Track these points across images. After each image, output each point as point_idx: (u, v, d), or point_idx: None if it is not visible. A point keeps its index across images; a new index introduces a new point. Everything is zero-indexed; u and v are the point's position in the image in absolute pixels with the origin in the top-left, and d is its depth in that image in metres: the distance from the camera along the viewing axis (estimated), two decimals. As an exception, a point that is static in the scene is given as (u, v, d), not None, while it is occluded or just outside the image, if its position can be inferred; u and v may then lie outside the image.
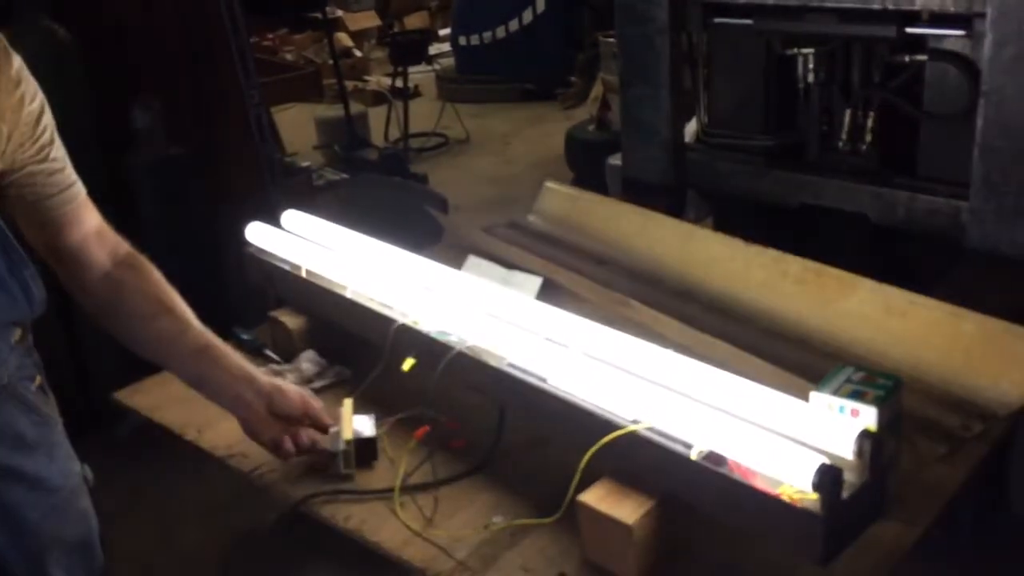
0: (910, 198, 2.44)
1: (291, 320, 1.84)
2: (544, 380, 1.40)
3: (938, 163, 2.44)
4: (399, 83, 5.83)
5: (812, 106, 2.67)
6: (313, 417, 1.45)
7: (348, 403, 1.54)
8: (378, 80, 7.23)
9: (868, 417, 1.26)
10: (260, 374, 1.44)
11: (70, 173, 1.33)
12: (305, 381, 1.71)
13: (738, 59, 2.81)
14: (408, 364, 1.55)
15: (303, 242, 1.87)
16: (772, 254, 1.99)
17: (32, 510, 1.31)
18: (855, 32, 2.45)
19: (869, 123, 2.55)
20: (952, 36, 2.31)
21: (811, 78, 2.62)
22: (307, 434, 1.45)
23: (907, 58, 2.43)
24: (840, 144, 2.62)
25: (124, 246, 1.41)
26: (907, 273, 1.96)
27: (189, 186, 3.04)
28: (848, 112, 2.58)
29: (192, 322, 1.40)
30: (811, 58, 2.60)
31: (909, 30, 2.34)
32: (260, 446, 1.44)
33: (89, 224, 1.36)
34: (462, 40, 7.15)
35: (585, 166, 4.70)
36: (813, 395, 1.30)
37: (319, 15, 5.94)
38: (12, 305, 1.26)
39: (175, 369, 1.43)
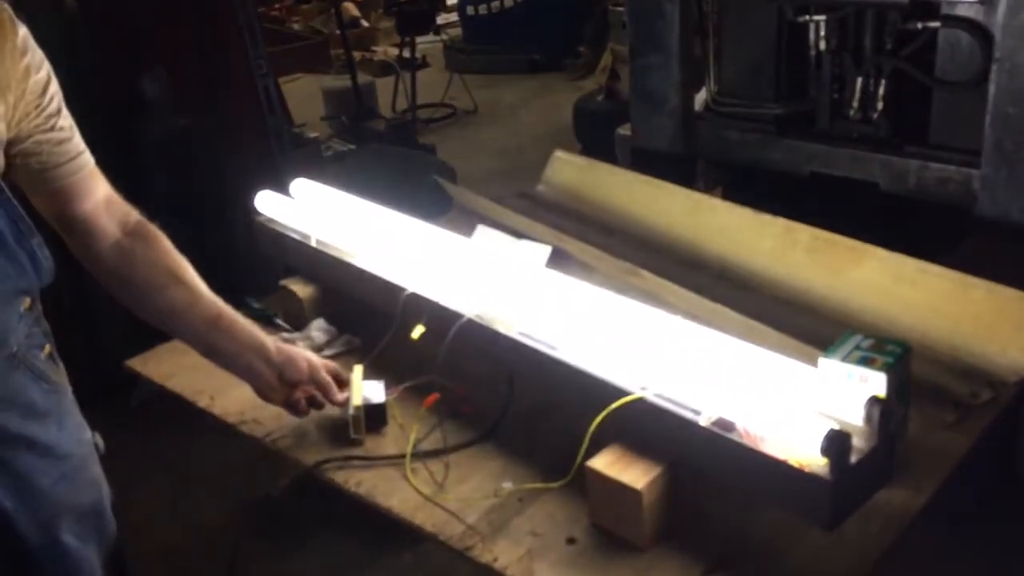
0: (921, 166, 2.43)
1: (301, 289, 1.85)
2: (553, 348, 1.41)
3: (950, 131, 2.42)
4: (406, 53, 5.80)
5: (823, 74, 2.65)
6: (321, 384, 1.46)
7: (358, 369, 1.56)
8: (385, 50, 7.19)
9: (877, 383, 1.26)
10: (270, 342, 1.45)
11: (78, 143, 1.33)
12: (315, 349, 1.72)
13: (749, 26, 2.78)
14: (418, 332, 1.55)
15: (313, 211, 1.87)
16: (782, 223, 1.98)
17: (43, 477, 1.32)
18: (867, -2, 2.43)
19: (880, 91, 2.54)
20: (965, 2, 2.29)
21: (822, 45, 2.60)
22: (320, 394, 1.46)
23: (919, 25, 2.41)
24: (851, 112, 2.60)
25: (134, 215, 1.41)
26: (917, 241, 1.95)
27: (198, 156, 3.03)
28: (859, 80, 2.56)
29: (203, 292, 1.41)
30: (822, 25, 2.58)
31: (922, -4, 2.32)
32: (275, 406, 1.46)
33: (98, 194, 1.37)
34: (470, 10, 7.10)
35: (593, 137, 4.67)
36: (822, 361, 1.30)
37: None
38: (20, 274, 1.26)
39: (186, 339, 1.45)
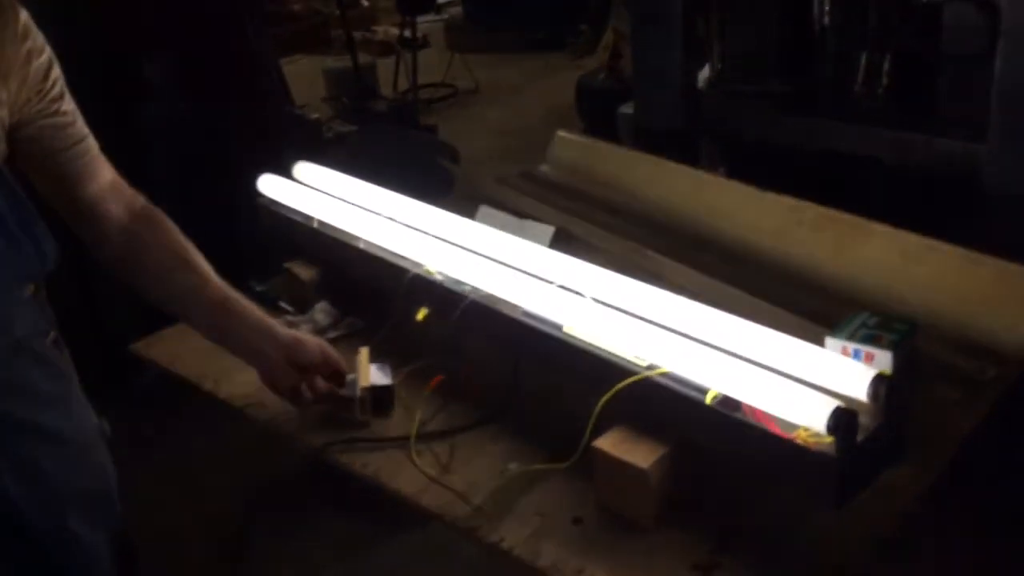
0: (927, 142, 2.41)
1: (304, 271, 1.84)
2: (559, 328, 1.40)
3: (956, 106, 2.40)
4: (407, 33, 5.77)
5: (828, 50, 2.63)
6: (332, 366, 1.46)
7: (364, 351, 1.55)
8: (386, 30, 7.15)
9: (883, 361, 1.26)
10: (279, 326, 1.45)
11: (81, 127, 1.32)
12: (319, 332, 1.72)
13: (752, 2, 2.76)
14: (422, 314, 1.55)
15: (316, 193, 1.87)
16: (787, 201, 1.97)
17: (49, 463, 1.32)
18: (872, -28, 2.40)
19: (885, 66, 2.51)
20: (971, -25, 2.26)
21: (827, 21, 2.58)
22: (323, 381, 1.46)
23: (924, -1, 2.39)
24: (856, 88, 2.58)
25: (139, 199, 1.41)
26: (923, 218, 1.94)
27: (200, 139, 3.02)
28: (864, 55, 2.54)
29: (211, 275, 1.41)
30: (827, 0, 2.56)
31: (927, -31, 2.29)
32: (278, 396, 1.46)
33: (103, 178, 1.36)
34: (471, -12, 7.06)
35: (596, 116, 4.65)
36: (828, 340, 1.30)
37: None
38: (25, 261, 1.26)
39: (194, 323, 1.44)
